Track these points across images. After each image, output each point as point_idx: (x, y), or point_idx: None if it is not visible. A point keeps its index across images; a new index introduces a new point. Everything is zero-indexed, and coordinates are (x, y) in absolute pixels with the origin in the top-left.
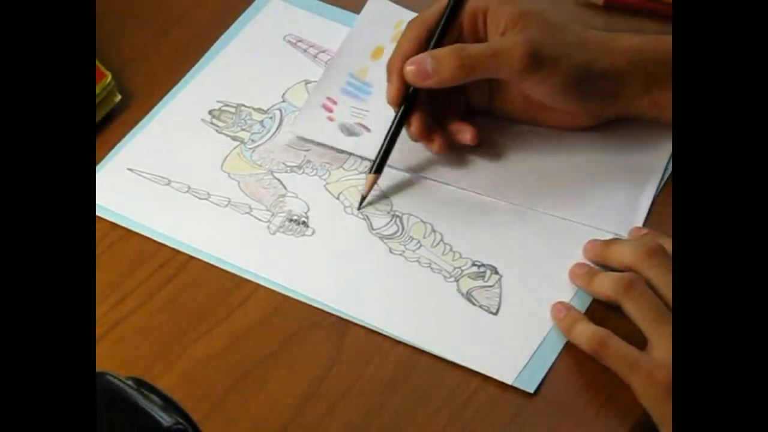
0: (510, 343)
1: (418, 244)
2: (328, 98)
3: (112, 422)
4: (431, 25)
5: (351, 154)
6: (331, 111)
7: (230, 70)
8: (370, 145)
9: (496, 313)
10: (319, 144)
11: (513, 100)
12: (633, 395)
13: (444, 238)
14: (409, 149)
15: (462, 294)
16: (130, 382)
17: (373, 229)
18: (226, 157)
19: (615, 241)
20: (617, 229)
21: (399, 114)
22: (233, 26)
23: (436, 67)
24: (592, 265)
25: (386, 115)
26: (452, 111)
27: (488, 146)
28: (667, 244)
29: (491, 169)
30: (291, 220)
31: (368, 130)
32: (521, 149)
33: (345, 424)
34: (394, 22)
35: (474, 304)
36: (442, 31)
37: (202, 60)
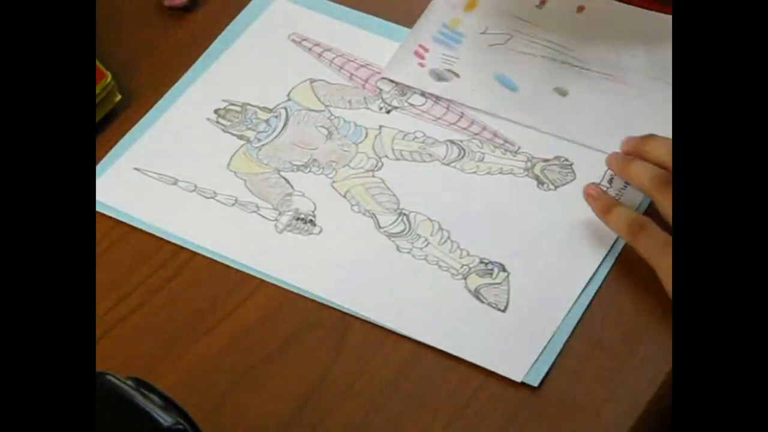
0: (519, 341)
1: (426, 242)
2: (420, 45)
3: (111, 422)
4: None
5: (439, 97)
6: (422, 57)
7: (235, 69)
8: (459, 90)
9: (504, 311)
10: (409, 87)
11: None
12: (635, 393)
13: (451, 235)
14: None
15: (470, 291)
16: (129, 382)
17: (380, 227)
18: (233, 156)
19: (652, 136)
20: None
21: None
22: (237, 25)
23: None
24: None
25: (475, 63)
26: None
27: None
28: None
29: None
30: (298, 219)
31: (458, 76)
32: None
33: (345, 423)
34: None
35: (482, 302)
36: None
37: (206, 59)
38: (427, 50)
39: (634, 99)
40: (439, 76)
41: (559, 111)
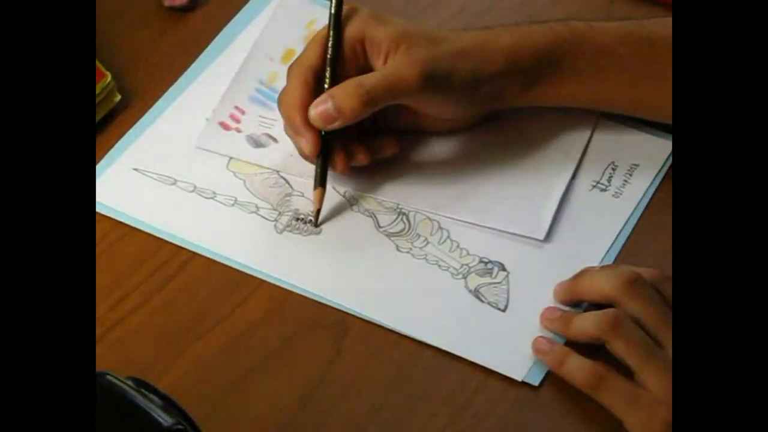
0: (519, 340)
1: (425, 242)
2: (237, 107)
3: (111, 422)
4: (314, 64)
5: (259, 166)
6: (239, 122)
7: (234, 69)
8: (278, 157)
9: (504, 310)
10: (226, 157)
11: (398, 115)
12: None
13: (451, 235)
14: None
15: (470, 291)
16: (129, 382)
17: (379, 227)
18: (232, 156)
19: (584, 273)
20: (528, 232)
21: (321, 163)
22: (235, 25)
23: (339, 107)
24: (564, 308)
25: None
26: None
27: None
28: (639, 270)
29: (402, 180)
30: (298, 219)
31: (275, 141)
32: (429, 156)
33: (345, 423)
34: (305, 21)
35: (482, 301)
36: (332, 65)
37: (205, 59)
38: (243, 112)
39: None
40: (256, 143)
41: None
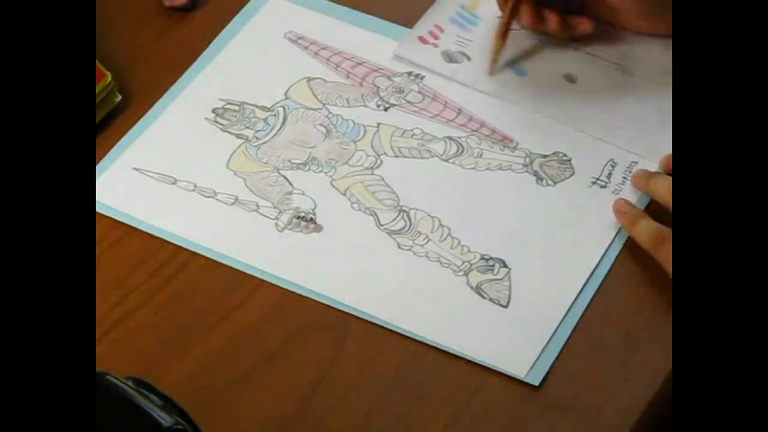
0: (521, 337)
1: (427, 239)
2: (436, 26)
3: (111, 422)
4: None
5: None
6: (437, 38)
7: (232, 68)
8: (467, 74)
9: (506, 306)
10: (418, 66)
11: (602, 4)
12: (635, 393)
13: (452, 232)
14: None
15: (472, 288)
16: (129, 382)
17: (380, 225)
18: (232, 155)
19: (657, 175)
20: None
21: (509, 12)
22: (233, 24)
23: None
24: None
25: (489, 47)
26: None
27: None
28: None
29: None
30: (299, 217)
31: (468, 59)
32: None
33: (346, 423)
34: None
35: (484, 298)
36: None
37: (204, 59)
38: (442, 30)
39: (643, 92)
40: (450, 58)
41: (566, 98)
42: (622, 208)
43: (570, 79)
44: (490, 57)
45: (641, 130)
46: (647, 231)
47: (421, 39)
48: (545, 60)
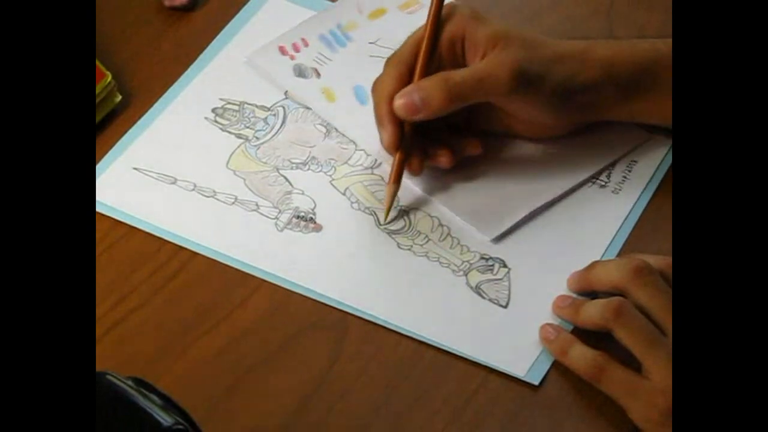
0: (521, 336)
1: (426, 239)
2: (303, 39)
3: (111, 422)
4: (409, 60)
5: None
6: (297, 51)
7: (232, 68)
8: (306, 90)
9: (506, 306)
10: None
11: (492, 117)
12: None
13: (451, 232)
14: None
15: (471, 288)
16: (129, 382)
17: (380, 224)
18: (231, 154)
19: (596, 263)
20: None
21: (398, 158)
22: (233, 24)
23: (425, 99)
24: (575, 296)
25: (344, 68)
26: (432, 130)
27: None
28: (652, 261)
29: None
30: (298, 217)
31: (318, 76)
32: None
33: (345, 423)
34: None
35: (484, 298)
36: (425, 55)
37: (204, 58)
38: (306, 45)
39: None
40: (300, 72)
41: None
42: (548, 336)
43: None
44: (385, 204)
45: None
46: (583, 362)
47: (281, 49)
48: None
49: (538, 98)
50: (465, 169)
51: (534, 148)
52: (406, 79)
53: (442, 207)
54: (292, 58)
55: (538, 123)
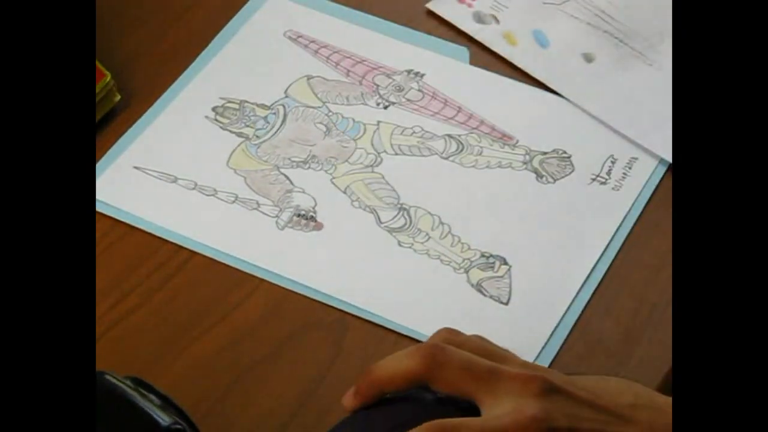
0: (522, 334)
1: (427, 237)
2: None
3: (110, 422)
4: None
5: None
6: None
7: (232, 66)
8: (488, 35)
9: (507, 304)
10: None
11: None
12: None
13: (452, 229)
14: None
15: (472, 285)
16: (128, 382)
17: (381, 223)
18: (232, 153)
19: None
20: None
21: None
22: (232, 23)
23: None
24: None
25: (521, 14)
26: None
27: None
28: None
29: None
30: (299, 215)
31: (497, 21)
32: None
33: None
34: None
35: (484, 295)
36: None
37: (204, 57)
38: None
39: (658, 85)
40: (479, 18)
41: (578, 76)
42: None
43: (588, 58)
44: None
45: (643, 118)
46: None
47: None
48: (570, 36)
49: None
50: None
51: None
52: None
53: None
54: (470, 6)
55: None
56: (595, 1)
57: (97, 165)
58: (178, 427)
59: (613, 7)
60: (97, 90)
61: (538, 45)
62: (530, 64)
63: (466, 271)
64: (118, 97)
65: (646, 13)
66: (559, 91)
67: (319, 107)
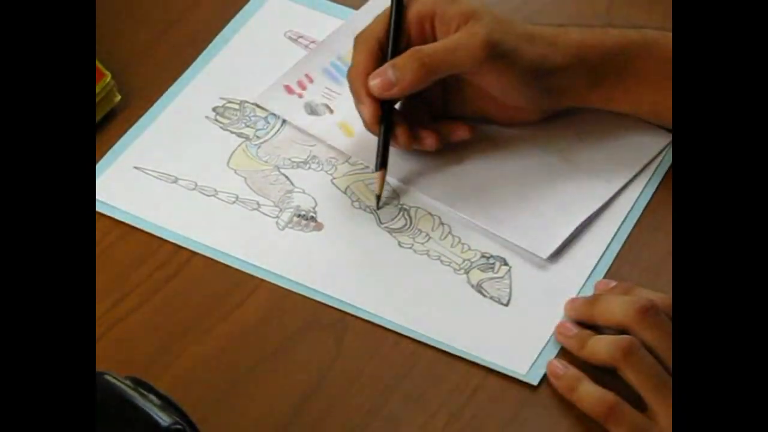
0: (522, 334)
1: (427, 237)
2: (307, 75)
3: (110, 422)
4: (380, 36)
5: (305, 132)
6: (304, 89)
7: (232, 67)
8: (323, 127)
9: (506, 304)
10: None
11: (466, 98)
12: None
13: (452, 230)
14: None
15: (472, 286)
16: (128, 382)
17: (381, 223)
18: (232, 153)
19: (600, 297)
20: (533, 249)
21: (383, 133)
22: (232, 24)
23: (399, 74)
24: (573, 326)
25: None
26: (417, 117)
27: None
28: (654, 297)
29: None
30: (299, 216)
31: (331, 112)
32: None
33: (344, 423)
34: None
35: (484, 296)
36: (394, 38)
37: (204, 57)
38: (311, 81)
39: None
40: (312, 110)
41: (418, 162)
42: (557, 372)
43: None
44: (376, 191)
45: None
46: (591, 400)
47: (287, 88)
48: None
49: (509, 74)
50: (500, 187)
51: (558, 159)
52: (377, 55)
53: (489, 232)
54: (300, 96)
55: (511, 105)
56: None
57: (97, 165)
58: (178, 427)
59: None
60: (97, 90)
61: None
62: (366, 155)
63: (467, 272)
64: (119, 97)
65: None
66: (393, 179)
67: None
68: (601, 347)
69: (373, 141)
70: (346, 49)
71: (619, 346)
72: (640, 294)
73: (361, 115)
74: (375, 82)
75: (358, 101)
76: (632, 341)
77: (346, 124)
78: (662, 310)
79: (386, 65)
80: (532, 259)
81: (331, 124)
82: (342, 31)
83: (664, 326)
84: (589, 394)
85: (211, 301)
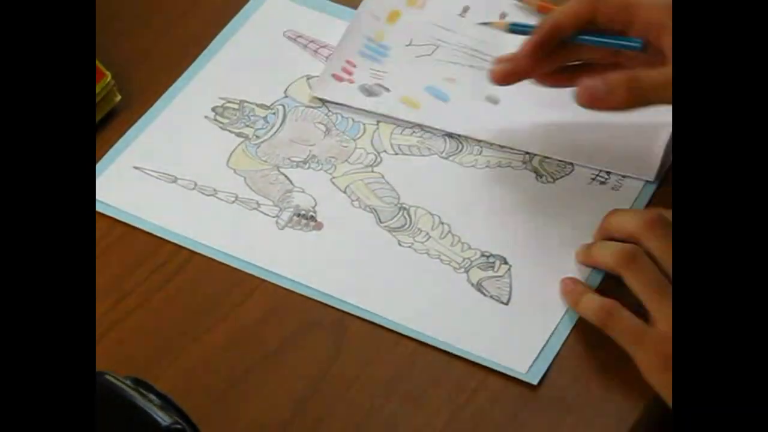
0: (522, 334)
1: (427, 236)
2: (347, 61)
3: (110, 422)
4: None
5: (372, 113)
6: (350, 74)
7: (231, 67)
8: (390, 104)
9: (507, 303)
10: (341, 105)
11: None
12: (635, 391)
13: (452, 229)
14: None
15: (472, 285)
16: (128, 382)
17: (380, 222)
18: (232, 153)
19: (615, 211)
20: (640, 173)
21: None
22: (232, 23)
23: (608, 95)
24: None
25: (404, 76)
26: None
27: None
28: (669, 215)
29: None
30: (299, 215)
31: (387, 90)
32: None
33: (345, 423)
34: None
35: (485, 295)
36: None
37: (203, 57)
38: (354, 66)
39: (567, 100)
40: (369, 92)
41: (493, 119)
42: (566, 287)
43: (492, 100)
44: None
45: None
46: (592, 307)
47: (336, 77)
48: (464, 84)
49: None
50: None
51: None
52: (583, 21)
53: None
54: (351, 81)
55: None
56: (463, 42)
57: (97, 165)
58: (178, 427)
59: (480, 43)
60: (98, 90)
61: (441, 101)
62: (444, 122)
63: (466, 271)
64: (119, 97)
65: (509, 40)
66: (484, 139)
67: (319, 107)
68: (606, 253)
69: (437, 110)
70: (372, 30)
71: (622, 252)
72: (651, 209)
73: (524, 42)
74: (583, 87)
75: (536, 30)
76: (635, 248)
77: (408, 98)
78: (670, 222)
79: (598, 79)
80: (532, 258)
81: (394, 101)
82: (360, 16)
83: (670, 236)
84: (591, 301)
85: (210, 301)
